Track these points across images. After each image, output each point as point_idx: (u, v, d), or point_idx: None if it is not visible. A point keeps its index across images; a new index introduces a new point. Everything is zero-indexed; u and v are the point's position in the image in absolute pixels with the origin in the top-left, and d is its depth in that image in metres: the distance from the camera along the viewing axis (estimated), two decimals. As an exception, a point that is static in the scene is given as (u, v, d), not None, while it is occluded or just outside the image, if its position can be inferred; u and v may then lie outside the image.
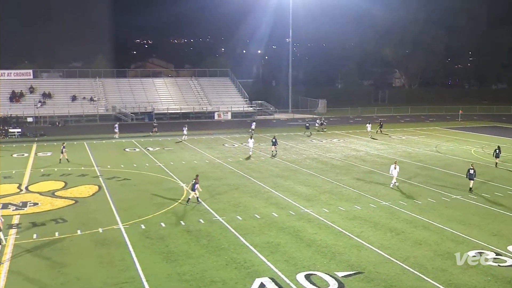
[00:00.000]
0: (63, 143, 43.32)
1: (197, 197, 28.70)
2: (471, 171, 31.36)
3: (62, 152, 41.48)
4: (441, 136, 58.66)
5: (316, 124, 64.41)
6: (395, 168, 32.65)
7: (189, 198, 28.76)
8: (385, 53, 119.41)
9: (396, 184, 32.79)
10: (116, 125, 58.53)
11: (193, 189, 28.51)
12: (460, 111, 79.35)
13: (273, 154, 45.33)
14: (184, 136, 54.28)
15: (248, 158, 43.99)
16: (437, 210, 27.24)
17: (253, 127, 60.69)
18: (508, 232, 23.50)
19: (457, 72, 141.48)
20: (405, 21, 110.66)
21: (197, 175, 29.33)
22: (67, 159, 41.47)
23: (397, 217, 25.81)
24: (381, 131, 61.25)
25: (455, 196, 30.11)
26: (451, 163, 41.52)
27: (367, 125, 60.10)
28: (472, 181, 31.41)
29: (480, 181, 33.91)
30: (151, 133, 59.01)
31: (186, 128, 55.12)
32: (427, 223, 24.81)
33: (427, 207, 27.74)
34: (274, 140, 46.21)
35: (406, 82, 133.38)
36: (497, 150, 40.06)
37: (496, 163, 40.11)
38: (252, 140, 46.39)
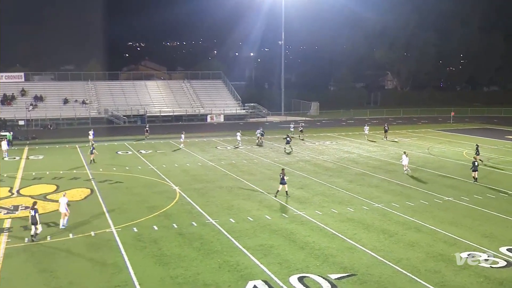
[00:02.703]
0: (92, 145, 44.53)
1: (286, 191, 30.22)
2: (476, 163, 34.76)
3: (91, 153, 42.24)
4: (433, 138, 58.89)
5: (291, 129, 60.89)
6: (407, 156, 37.70)
7: (278, 191, 30.14)
8: (377, 56, 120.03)
9: (408, 170, 37.50)
10: (91, 132, 53.39)
11: (282, 183, 29.83)
12: (452, 113, 79.75)
13: (259, 143, 52.37)
14: (181, 145, 50.97)
15: (237, 147, 50.84)
16: (429, 212, 27.32)
17: (258, 134, 54.62)
18: (500, 233, 23.59)
19: (449, 75, 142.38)
20: (396, 24, 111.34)
21: (283, 169, 31.10)
22: (92, 159, 42.16)
23: (390, 219, 25.87)
24: (386, 136, 57.55)
25: (447, 198, 30.21)
26: (443, 165, 41.67)
27: (365, 127, 59.39)
28: (476, 172, 34.50)
29: (473, 183, 34.08)
30: (145, 137, 57.55)
31: (183, 135, 51.95)
32: (420, 225, 24.87)
33: (420, 209, 27.81)
34: (262, 131, 53.72)
35: (399, 85, 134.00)
36: (478, 148, 42.66)
37: (481, 159, 40.69)
38: (240, 133, 53.08)
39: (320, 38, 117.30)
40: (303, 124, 64.12)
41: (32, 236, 22.29)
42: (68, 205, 25.16)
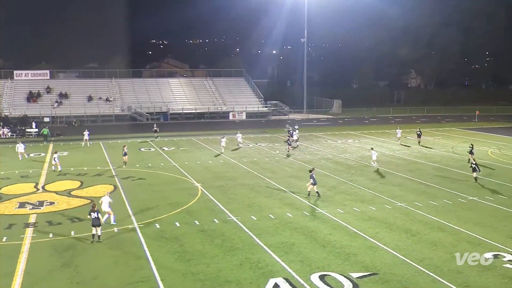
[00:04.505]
0: (124, 146, 41.03)
1: (309, 191, 30.05)
2: (474, 164, 34.57)
3: (125, 155, 39.62)
4: (457, 137, 58.14)
5: (296, 131, 53.45)
6: (374, 151, 39.76)
7: (317, 192, 29.86)
8: (400, 53, 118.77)
9: (375, 165, 38.93)
10: (86, 132, 52.13)
11: (314, 183, 29.62)
12: (477, 112, 78.59)
13: (293, 146, 48.86)
14: (222, 148, 46.94)
15: (237, 149, 48.42)
16: (453, 211, 26.99)
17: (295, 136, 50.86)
18: (526, 234, 23.18)
19: (474, 73, 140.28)
20: (420, 21, 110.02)
21: (312, 168, 31.18)
22: (124, 162, 39.73)
23: (413, 218, 25.62)
24: (419, 141, 52.08)
25: (471, 198, 29.80)
26: (467, 164, 40.96)
27: (397, 130, 54.14)
28: (476, 172, 34.07)
29: (498, 183, 33.60)
30: (156, 137, 55.67)
31: (224, 139, 47.54)
32: (443, 224, 24.58)
33: (443, 209, 27.50)
34: (291, 131, 50.48)
35: (422, 83, 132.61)
36: (470, 147, 41.53)
37: (469, 159, 39.71)
38: (240, 134, 51.44)
39: (343, 36, 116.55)
40: (290, 127, 56.90)
41: (93, 236, 22.06)
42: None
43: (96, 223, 21.92)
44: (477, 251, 20.69)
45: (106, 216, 24.44)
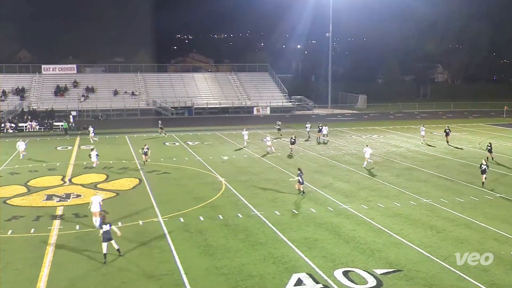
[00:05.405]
0: (145, 145, 40.02)
1: (301, 190, 29.51)
2: (484, 165, 31.46)
3: (145, 154, 38.16)
4: (484, 133, 57.20)
5: (308, 129, 53.77)
6: (369, 148, 38.04)
7: (302, 191, 29.37)
8: (427, 48, 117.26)
9: (366, 164, 37.24)
10: (91, 128, 51.04)
11: (301, 182, 29.13)
12: (505, 107, 77.17)
13: (320, 141, 49.62)
14: (270, 148, 44.10)
15: (241, 149, 45.98)
16: (480, 208, 26.58)
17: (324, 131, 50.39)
18: (555, 232, 22.71)
19: (502, 67, 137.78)
20: (448, 16, 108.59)
21: (299, 168, 30.10)
22: (144, 161, 38.38)
23: (438, 215, 25.32)
24: (448, 140, 48.60)
25: (498, 195, 29.31)
26: (493, 161, 40.31)
27: (421, 128, 50.91)
28: (484, 175, 31.36)
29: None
30: (160, 134, 53.87)
31: (269, 138, 45.55)
32: (469, 221, 24.24)
33: (470, 205, 27.10)
34: (320, 127, 50.43)
35: (449, 78, 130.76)
36: (488, 146, 40.21)
37: (492, 157, 39.07)
38: (246, 131, 48.02)
39: (368, 30, 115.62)
40: (279, 123, 56.83)
41: (105, 255, 19.09)
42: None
43: (107, 237, 19.10)
44: (504, 249, 20.44)
45: (95, 218, 23.04)
